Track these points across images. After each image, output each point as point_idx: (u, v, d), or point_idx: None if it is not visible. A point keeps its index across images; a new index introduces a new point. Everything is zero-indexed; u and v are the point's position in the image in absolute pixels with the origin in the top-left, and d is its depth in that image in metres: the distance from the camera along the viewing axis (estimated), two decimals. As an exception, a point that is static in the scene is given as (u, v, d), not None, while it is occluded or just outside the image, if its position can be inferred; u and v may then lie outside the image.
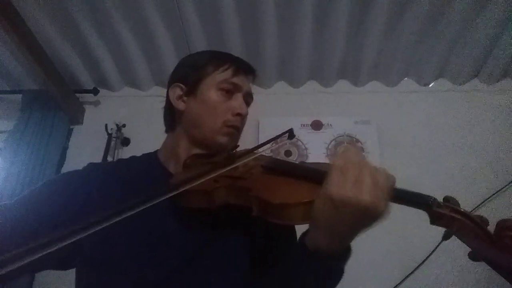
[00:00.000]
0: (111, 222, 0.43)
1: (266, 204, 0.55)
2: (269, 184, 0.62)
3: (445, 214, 0.48)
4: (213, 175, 0.58)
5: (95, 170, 0.78)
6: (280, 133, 0.75)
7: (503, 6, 1.74)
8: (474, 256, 0.48)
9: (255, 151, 0.70)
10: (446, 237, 0.50)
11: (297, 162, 0.69)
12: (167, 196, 0.51)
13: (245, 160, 0.66)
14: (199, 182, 0.56)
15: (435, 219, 0.49)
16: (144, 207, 0.46)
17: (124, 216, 0.44)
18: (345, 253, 0.55)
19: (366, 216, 0.48)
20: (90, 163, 0.80)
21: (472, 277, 1.67)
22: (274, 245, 0.73)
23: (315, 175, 0.57)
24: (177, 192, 0.53)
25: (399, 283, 1.71)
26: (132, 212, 0.45)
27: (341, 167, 0.50)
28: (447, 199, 0.50)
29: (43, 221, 0.65)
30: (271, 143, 0.72)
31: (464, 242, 0.48)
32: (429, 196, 0.50)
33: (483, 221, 0.47)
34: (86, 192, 0.71)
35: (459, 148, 1.98)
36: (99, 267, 0.65)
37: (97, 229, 0.42)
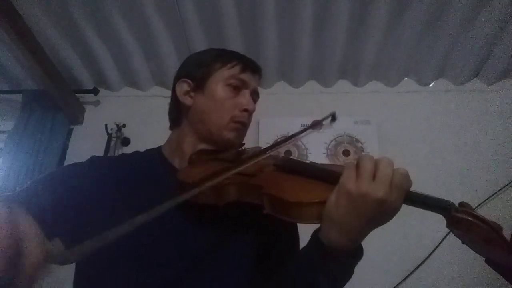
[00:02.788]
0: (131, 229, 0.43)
1: (280, 202, 0.55)
2: (282, 182, 0.61)
3: (464, 219, 0.49)
4: (230, 173, 0.58)
5: (98, 162, 0.78)
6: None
7: (503, 6, 1.74)
8: (489, 262, 0.48)
9: (266, 149, 0.69)
10: (464, 242, 0.51)
11: (308, 162, 0.69)
12: (189, 196, 0.51)
13: (263, 157, 0.65)
14: (217, 180, 0.56)
15: (453, 224, 0.50)
16: (166, 209, 0.46)
17: (145, 222, 0.44)
18: (357, 252, 0.55)
19: (380, 211, 0.49)
20: (93, 155, 0.80)
21: (472, 277, 1.67)
22: (279, 243, 0.73)
23: (327, 175, 0.57)
24: (196, 193, 0.53)
25: (400, 283, 1.71)
26: (154, 217, 0.45)
27: (356, 162, 0.51)
28: (462, 204, 0.51)
29: (47, 211, 0.64)
30: (316, 129, 0.73)
31: (476, 249, 0.49)
32: (446, 200, 0.51)
33: (499, 227, 0.47)
34: (89, 182, 0.71)
35: (459, 148, 1.98)
36: (101, 265, 0.64)
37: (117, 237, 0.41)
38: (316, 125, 0.74)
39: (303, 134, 0.73)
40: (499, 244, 0.46)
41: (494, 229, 0.47)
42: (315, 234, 0.56)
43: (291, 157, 1.95)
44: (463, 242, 0.50)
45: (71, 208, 0.67)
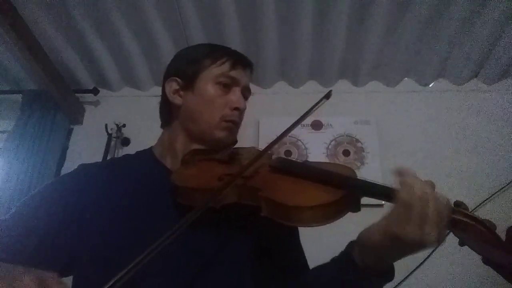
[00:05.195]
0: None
1: (279, 206, 0.55)
2: (279, 184, 0.61)
3: (458, 220, 0.49)
4: (236, 181, 0.58)
5: (86, 170, 0.76)
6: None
7: (502, 6, 1.74)
8: (486, 261, 0.49)
9: (265, 149, 0.68)
10: (462, 243, 0.51)
11: (302, 161, 0.68)
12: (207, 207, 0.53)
13: (260, 159, 0.64)
14: (224, 192, 0.57)
15: (449, 224, 0.50)
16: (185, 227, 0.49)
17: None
18: (389, 273, 0.58)
19: (425, 248, 0.51)
20: (81, 164, 0.79)
21: (472, 277, 1.67)
22: (279, 242, 0.73)
23: (325, 177, 0.57)
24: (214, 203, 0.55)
25: (399, 283, 1.71)
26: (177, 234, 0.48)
27: (406, 203, 0.49)
28: (457, 203, 0.51)
29: (42, 232, 0.64)
30: (311, 112, 0.78)
31: (475, 248, 0.49)
32: None
33: (493, 226, 0.48)
34: (80, 194, 0.70)
35: (458, 148, 1.98)
36: (101, 272, 0.62)
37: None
38: (312, 108, 0.75)
39: (297, 124, 0.74)
40: (494, 243, 0.46)
41: (488, 228, 0.47)
42: (349, 254, 0.57)
43: (291, 157, 1.97)
44: (462, 241, 0.50)
45: (67, 226, 0.66)
